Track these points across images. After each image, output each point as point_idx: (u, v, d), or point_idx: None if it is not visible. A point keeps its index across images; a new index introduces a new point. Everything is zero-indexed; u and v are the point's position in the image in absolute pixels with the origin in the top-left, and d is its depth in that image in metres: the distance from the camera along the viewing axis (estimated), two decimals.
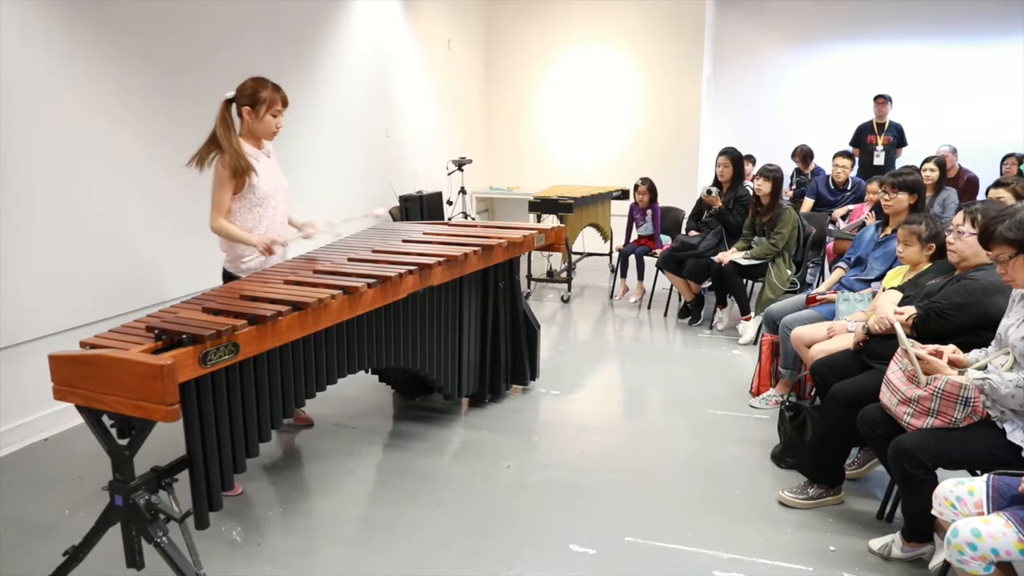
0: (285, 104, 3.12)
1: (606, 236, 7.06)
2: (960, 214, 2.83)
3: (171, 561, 2.16)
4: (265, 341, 2.31)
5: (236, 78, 3.10)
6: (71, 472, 3.22)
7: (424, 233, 3.71)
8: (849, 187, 6.17)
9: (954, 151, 6.64)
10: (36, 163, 3.46)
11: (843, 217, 5.89)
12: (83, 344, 2.14)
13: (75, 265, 3.68)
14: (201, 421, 2.21)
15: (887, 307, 2.94)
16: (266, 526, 2.80)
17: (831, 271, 4.35)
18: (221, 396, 2.26)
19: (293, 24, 5.20)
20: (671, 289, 5.81)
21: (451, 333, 3.53)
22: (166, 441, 2.80)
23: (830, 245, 5.57)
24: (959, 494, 2.07)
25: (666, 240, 6.07)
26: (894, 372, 2.54)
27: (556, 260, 7.01)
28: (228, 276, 3.19)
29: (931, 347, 2.51)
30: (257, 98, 3.03)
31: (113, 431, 2.15)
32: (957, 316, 2.68)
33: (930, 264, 3.20)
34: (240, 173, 3.01)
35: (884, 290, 3.32)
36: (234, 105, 3.06)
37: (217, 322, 2.20)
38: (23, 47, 3.37)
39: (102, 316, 3.77)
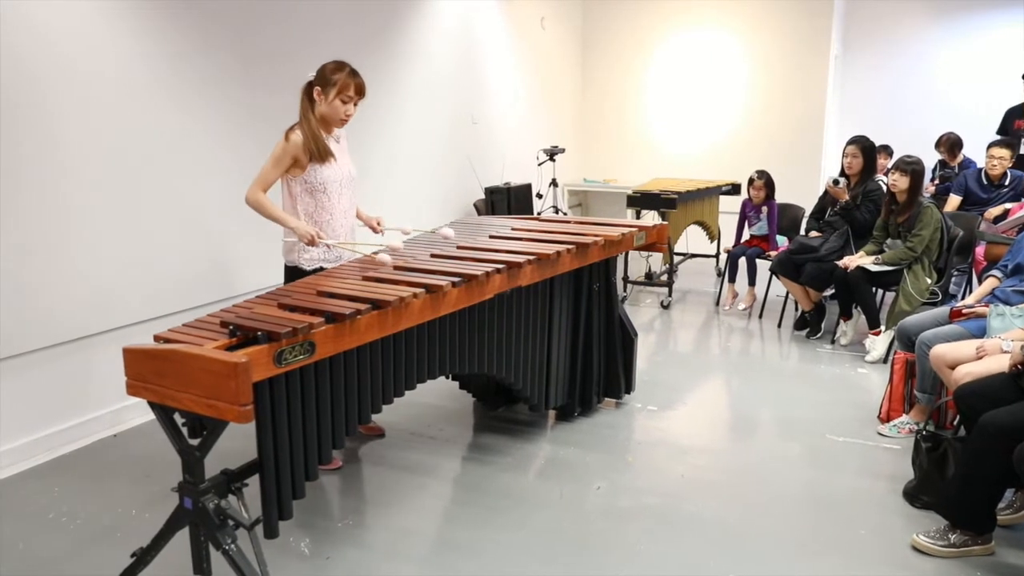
0: (360, 93, 3.20)
1: (713, 236, 6.93)
2: None
3: (239, 570, 2.23)
4: (343, 341, 2.36)
5: (317, 61, 3.21)
6: (139, 471, 3.39)
7: (513, 229, 3.72)
8: (1007, 182, 5.82)
9: None
10: (117, 154, 3.67)
11: (998, 219, 5.56)
12: (157, 338, 2.24)
13: (149, 258, 3.88)
14: (274, 423, 2.27)
15: None
16: (335, 539, 2.87)
17: (981, 281, 4.14)
18: (295, 398, 2.32)
19: (378, 2, 5.33)
20: (787, 297, 5.64)
21: (540, 339, 3.52)
22: (235, 442, 2.91)
23: (980, 250, 5.27)
24: None
25: (782, 241, 5.91)
26: None
27: (656, 261, 6.92)
28: (291, 272, 3.29)
29: None
30: (329, 80, 3.14)
31: (184, 430, 2.25)
32: None
33: None
34: (315, 157, 3.16)
35: None
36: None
37: (293, 319, 2.26)
38: (110, 39, 3.58)
39: (175, 309, 3.97)
